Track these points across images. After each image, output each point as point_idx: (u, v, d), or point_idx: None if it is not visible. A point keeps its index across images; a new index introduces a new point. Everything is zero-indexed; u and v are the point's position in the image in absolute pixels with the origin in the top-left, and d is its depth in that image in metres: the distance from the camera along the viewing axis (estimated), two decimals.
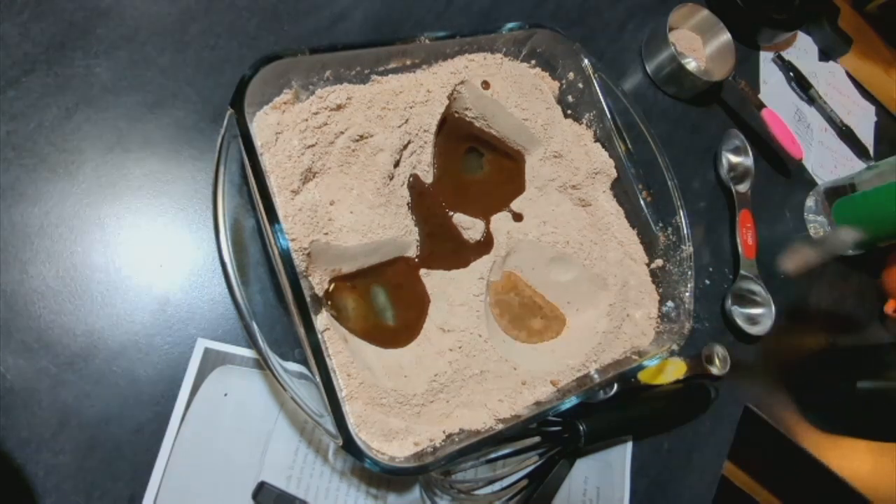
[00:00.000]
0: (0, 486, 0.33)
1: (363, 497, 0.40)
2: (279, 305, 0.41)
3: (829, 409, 0.60)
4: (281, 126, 0.38)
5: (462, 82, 0.46)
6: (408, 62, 0.44)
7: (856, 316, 0.68)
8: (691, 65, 0.65)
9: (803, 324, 0.64)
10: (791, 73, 0.74)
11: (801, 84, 0.74)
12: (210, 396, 0.38)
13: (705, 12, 0.66)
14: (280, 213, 0.35)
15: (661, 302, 0.48)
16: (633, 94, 0.64)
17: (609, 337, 0.45)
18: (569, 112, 0.52)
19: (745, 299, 0.59)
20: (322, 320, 0.37)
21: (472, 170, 0.49)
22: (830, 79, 0.79)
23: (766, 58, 0.75)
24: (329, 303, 0.39)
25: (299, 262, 0.36)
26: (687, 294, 0.46)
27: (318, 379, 0.33)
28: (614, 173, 0.50)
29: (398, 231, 0.41)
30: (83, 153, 0.40)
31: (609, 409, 0.46)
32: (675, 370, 0.51)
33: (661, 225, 0.49)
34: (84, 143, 0.40)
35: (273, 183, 0.36)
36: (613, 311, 0.46)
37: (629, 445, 0.50)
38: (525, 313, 0.45)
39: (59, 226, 0.38)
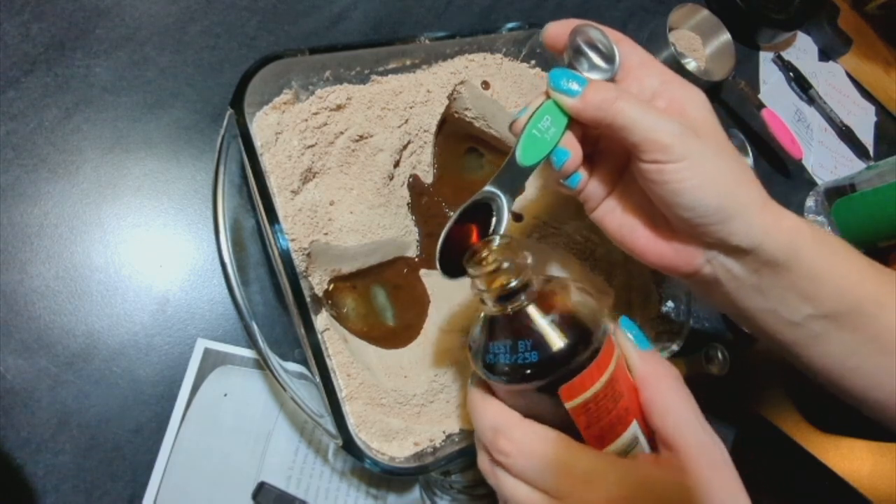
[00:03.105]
0: (0, 486, 0.33)
1: (363, 497, 0.40)
2: (279, 305, 0.41)
3: (829, 409, 0.60)
4: (281, 126, 0.38)
5: (462, 82, 0.45)
6: (408, 62, 0.44)
7: None
8: (691, 65, 0.65)
9: None
10: (791, 73, 0.74)
11: (800, 84, 0.74)
12: (210, 396, 0.38)
13: (705, 12, 0.66)
14: (280, 213, 0.35)
15: (661, 302, 0.48)
16: None
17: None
18: None
19: None
20: (322, 320, 0.37)
21: (472, 170, 0.49)
22: (830, 79, 0.79)
23: (765, 58, 0.75)
24: (329, 303, 0.39)
25: (299, 262, 0.36)
26: (687, 294, 0.46)
27: (318, 379, 0.33)
28: None
29: (398, 231, 0.41)
30: (83, 153, 0.40)
31: None
32: None
33: None
34: (84, 144, 0.40)
35: (273, 183, 0.36)
36: (614, 311, 0.46)
37: None
38: None
39: (59, 226, 0.38)
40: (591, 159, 0.34)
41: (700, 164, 0.28)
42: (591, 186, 0.34)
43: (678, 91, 0.31)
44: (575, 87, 0.30)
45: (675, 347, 0.44)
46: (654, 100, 0.31)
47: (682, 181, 0.28)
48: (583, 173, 0.33)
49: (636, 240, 0.33)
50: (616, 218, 0.34)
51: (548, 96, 0.31)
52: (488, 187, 0.32)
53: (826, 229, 0.66)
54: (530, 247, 0.46)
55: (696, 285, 0.34)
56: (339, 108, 0.40)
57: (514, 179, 0.32)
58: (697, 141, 0.28)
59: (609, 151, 0.34)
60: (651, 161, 0.29)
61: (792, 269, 0.30)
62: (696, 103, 0.31)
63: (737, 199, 0.29)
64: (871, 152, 0.76)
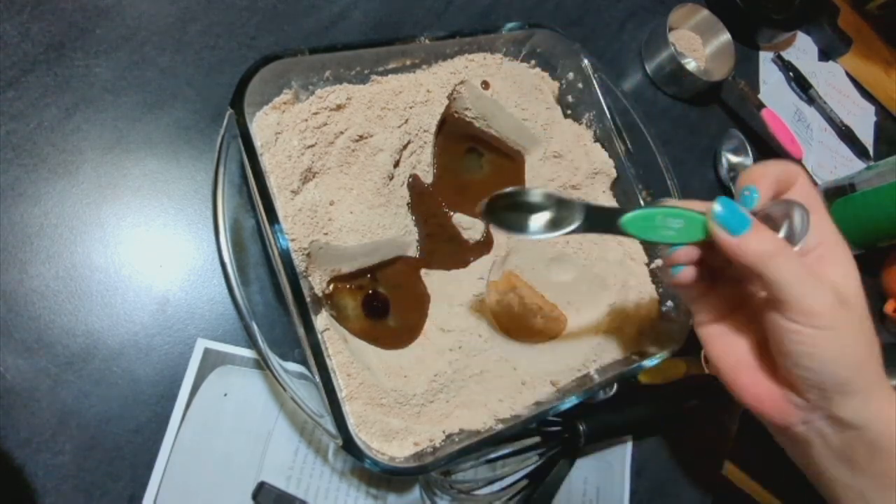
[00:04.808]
0: (0, 486, 0.33)
1: (363, 497, 0.40)
2: (279, 305, 0.41)
3: None
4: (281, 126, 0.38)
5: (462, 82, 0.46)
6: (408, 62, 0.44)
7: None
8: (691, 65, 0.65)
9: None
10: (791, 73, 0.74)
11: (800, 84, 0.74)
12: (210, 396, 0.38)
13: (705, 12, 0.66)
14: (280, 213, 0.35)
15: (661, 302, 0.48)
16: (633, 94, 0.64)
17: (609, 337, 0.45)
18: (569, 112, 0.52)
19: None
20: (322, 320, 0.37)
21: (472, 170, 0.49)
22: (830, 79, 0.79)
23: (765, 58, 0.75)
24: (329, 303, 0.39)
25: (299, 262, 0.36)
26: None
27: (317, 379, 0.33)
28: (614, 173, 0.50)
29: (398, 231, 0.41)
30: (83, 153, 0.40)
31: (609, 409, 0.46)
32: (675, 370, 0.51)
33: None
34: (84, 143, 0.40)
35: (273, 183, 0.36)
36: (613, 311, 0.46)
37: (629, 445, 0.50)
38: (525, 313, 0.45)
39: (58, 226, 0.38)
40: (713, 276, 0.33)
41: (841, 337, 0.28)
42: (705, 304, 0.34)
43: (830, 254, 0.31)
44: (738, 225, 0.29)
45: (675, 347, 0.44)
46: (805, 255, 0.30)
47: (819, 347, 0.28)
48: (688, 267, 0.33)
49: (737, 376, 0.32)
50: (722, 345, 0.33)
51: (703, 214, 0.30)
52: (581, 202, 0.31)
53: None
54: (529, 246, 0.46)
55: (784, 439, 0.33)
56: (339, 108, 0.40)
57: (603, 223, 0.31)
58: (845, 313, 0.28)
59: (736, 280, 0.33)
60: (793, 321, 0.28)
61: (891, 457, 0.29)
62: (846, 271, 0.30)
63: (865, 377, 0.29)
64: (871, 152, 0.77)
